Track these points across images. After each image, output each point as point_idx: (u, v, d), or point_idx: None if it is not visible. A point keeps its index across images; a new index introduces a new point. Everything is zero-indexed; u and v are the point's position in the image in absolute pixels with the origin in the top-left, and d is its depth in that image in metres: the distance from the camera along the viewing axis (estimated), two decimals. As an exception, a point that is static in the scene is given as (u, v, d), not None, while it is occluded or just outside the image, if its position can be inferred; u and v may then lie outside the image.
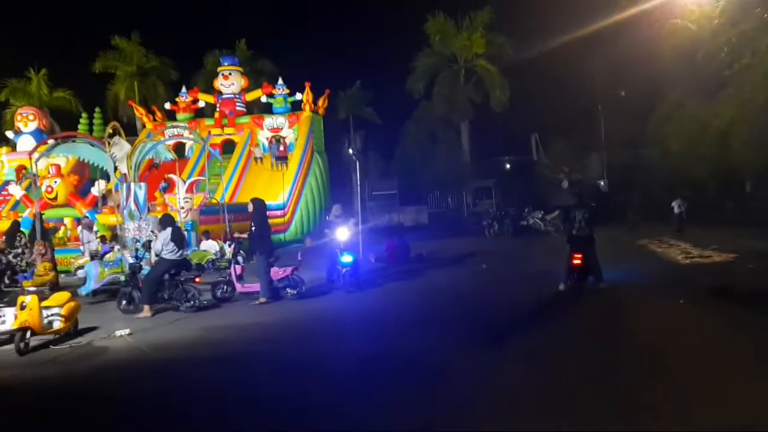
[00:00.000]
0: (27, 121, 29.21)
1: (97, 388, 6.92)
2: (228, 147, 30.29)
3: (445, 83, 36.78)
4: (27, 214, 20.50)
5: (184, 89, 31.94)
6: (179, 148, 31.11)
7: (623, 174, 31.54)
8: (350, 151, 31.75)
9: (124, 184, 14.77)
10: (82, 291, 12.68)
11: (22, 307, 8.46)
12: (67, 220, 21.31)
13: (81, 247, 17.51)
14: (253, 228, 11.95)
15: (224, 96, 30.88)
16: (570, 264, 11.07)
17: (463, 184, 35.34)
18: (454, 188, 36.27)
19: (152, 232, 13.45)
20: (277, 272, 11.81)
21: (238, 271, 11.97)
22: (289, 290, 11.84)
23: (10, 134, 29.18)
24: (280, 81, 30.75)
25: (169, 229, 10.88)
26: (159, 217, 17.45)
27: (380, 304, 11.21)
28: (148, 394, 6.60)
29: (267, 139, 29.96)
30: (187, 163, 29.39)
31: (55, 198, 21.12)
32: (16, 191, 22.57)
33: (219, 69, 31.56)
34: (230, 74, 31.04)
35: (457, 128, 37.57)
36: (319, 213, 28.97)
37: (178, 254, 10.95)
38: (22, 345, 8.29)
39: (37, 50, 45.75)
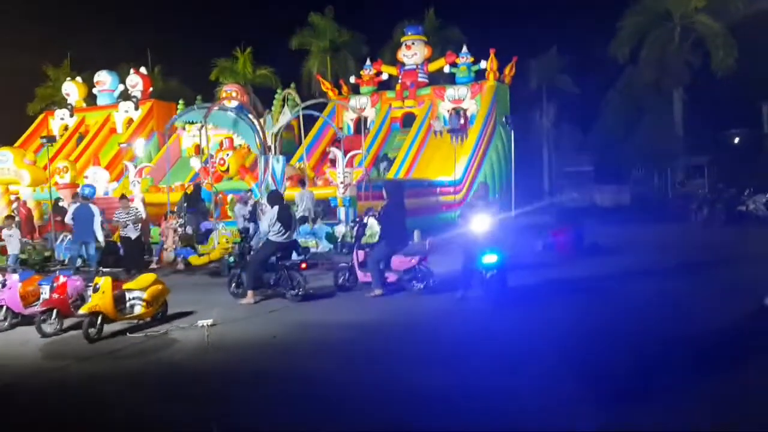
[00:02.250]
0: (230, 98, 30.61)
1: (109, 398, 5.94)
2: (409, 120, 29.23)
3: (656, 45, 32.17)
4: (204, 185, 21.07)
5: (368, 62, 31.38)
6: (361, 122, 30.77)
7: None
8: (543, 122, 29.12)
9: (263, 157, 14.10)
10: None
11: (95, 290, 7.84)
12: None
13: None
14: (382, 212, 10.55)
15: (406, 67, 29.76)
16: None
17: (671, 160, 30.80)
18: (661, 166, 31.77)
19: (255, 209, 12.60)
20: (401, 261, 10.24)
21: (361, 258, 10.57)
22: (415, 283, 10.21)
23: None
24: (465, 49, 28.90)
25: (275, 208, 9.83)
26: (310, 191, 17.17)
27: (523, 320, 8.24)
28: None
29: (448, 111, 28.38)
30: (367, 137, 28.94)
31: (227, 170, 21.49)
32: (196, 163, 23.43)
33: (402, 39, 30.45)
34: (413, 44, 29.76)
35: (669, 97, 32.80)
36: (498, 190, 26.87)
37: (285, 236, 9.87)
38: (91, 331, 7.68)
39: (244, 30, 48.37)
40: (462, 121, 27.50)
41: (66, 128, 33.64)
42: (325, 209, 16.86)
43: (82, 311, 7.70)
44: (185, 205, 16.61)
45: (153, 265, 14.03)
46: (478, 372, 6.12)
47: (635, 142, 31.50)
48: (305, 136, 26.72)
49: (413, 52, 29.69)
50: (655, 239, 17.07)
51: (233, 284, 10.31)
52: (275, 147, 14.76)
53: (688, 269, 11.84)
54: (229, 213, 19.02)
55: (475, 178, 25.34)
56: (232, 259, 11.56)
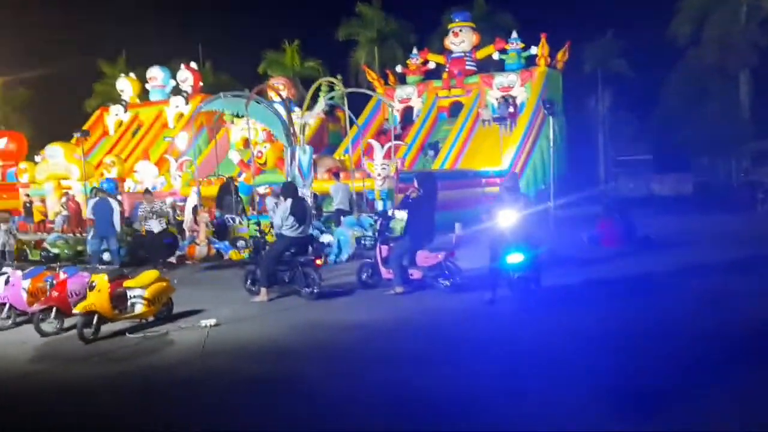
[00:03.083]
0: (277, 92, 30.45)
1: (86, 404, 5.50)
2: (457, 109, 28.36)
3: (720, 24, 30.21)
4: (242, 179, 20.85)
5: (415, 50, 30.63)
6: (407, 113, 30.08)
7: None
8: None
9: (289, 148, 13.60)
10: (332, 259, 12.23)
11: (91, 288, 7.47)
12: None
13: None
14: (411, 203, 9.89)
15: (454, 55, 28.87)
16: None
17: (736, 147, 28.85)
18: (725, 152, 29.83)
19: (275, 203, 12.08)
20: (426, 257, 9.53)
21: (384, 253, 9.92)
22: (441, 281, 9.50)
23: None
24: (514, 35, 27.83)
25: (289, 201, 9.28)
26: (345, 184, 16.61)
27: (551, 327, 7.23)
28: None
29: (496, 99, 27.38)
30: (412, 127, 28.23)
31: (265, 163, 21.18)
32: (234, 156, 23.23)
33: (449, 26, 29.54)
34: (461, 31, 28.83)
35: (734, 79, 30.82)
36: (549, 181, 25.75)
37: (299, 230, 9.32)
38: (87, 331, 7.31)
39: (292, 22, 48.26)
40: (511, 109, 26.45)
41: (120, 124, 34.20)
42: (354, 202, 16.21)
43: (76, 311, 7.34)
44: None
45: (172, 260, 13.67)
46: (485, 385, 5.43)
47: (697, 128, 29.68)
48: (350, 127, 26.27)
49: (461, 39, 28.79)
50: (716, 231, 15.80)
51: (248, 281, 9.84)
52: (302, 137, 14.22)
53: (752, 264, 10.67)
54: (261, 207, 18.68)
55: (524, 168, 24.33)
56: (246, 254, 11.12)
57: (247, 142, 25.64)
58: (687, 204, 24.41)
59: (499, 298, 8.44)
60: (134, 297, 7.86)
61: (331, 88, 21.19)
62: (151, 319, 8.13)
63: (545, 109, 13.76)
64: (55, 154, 24.60)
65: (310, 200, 13.31)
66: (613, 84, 31.65)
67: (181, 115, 32.68)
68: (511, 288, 8.43)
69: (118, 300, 7.79)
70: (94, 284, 7.47)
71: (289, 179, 13.31)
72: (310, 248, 9.68)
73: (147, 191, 14.15)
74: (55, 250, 14.32)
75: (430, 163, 25.83)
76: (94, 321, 7.40)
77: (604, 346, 6.38)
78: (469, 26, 29.13)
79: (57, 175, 23.38)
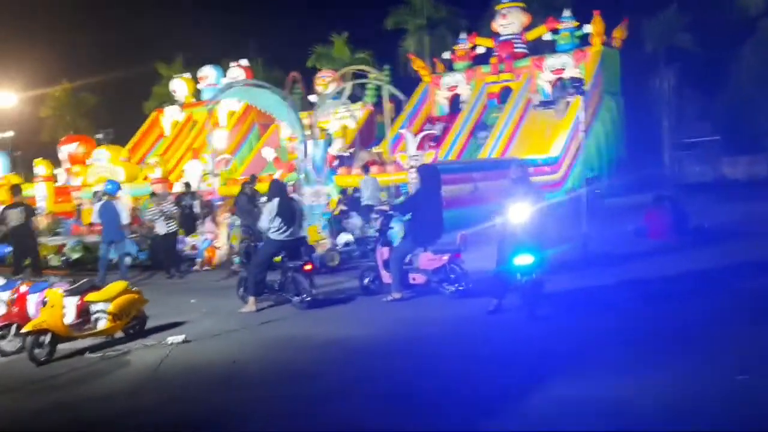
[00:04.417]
0: (325, 84, 29.89)
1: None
2: (506, 95, 26.95)
3: (798, -10, 27.61)
4: (277, 176, 20.29)
5: (462, 36, 29.34)
6: (455, 100, 28.88)
7: None
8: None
9: (302, 142, 12.77)
10: None
11: (43, 304, 6.88)
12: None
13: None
14: (409, 200, 8.98)
15: (502, 38, 27.41)
16: None
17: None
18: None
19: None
20: (430, 260, 8.56)
21: (385, 256, 9.00)
22: (446, 286, 8.51)
23: (312, 98, 30.07)
24: (567, 13, 26.12)
25: (275, 201, 8.46)
26: (373, 178, 15.71)
27: (558, 343, 6.10)
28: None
29: (549, 82, 25.84)
30: (460, 115, 27.01)
31: (299, 160, 20.50)
32: (268, 154, 22.69)
33: (497, 8, 28.06)
34: (509, 12, 27.30)
35: (816, 51, 28.07)
36: (605, 167, 24.10)
37: (287, 233, 8.49)
38: (38, 352, 6.72)
39: (341, 13, 47.53)
40: (572, 90, 24.82)
41: (176, 124, 34.49)
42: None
43: (25, 329, 6.75)
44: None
45: (196, 267, 13.12)
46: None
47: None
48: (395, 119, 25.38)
49: (509, 21, 27.28)
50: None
51: (241, 288, 9.10)
52: (317, 131, 13.39)
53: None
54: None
55: (577, 154, 22.78)
56: (237, 259, 10.40)
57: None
58: (762, 189, 22.23)
59: (504, 306, 7.39)
60: (97, 312, 7.23)
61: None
62: (119, 335, 7.49)
63: (573, 87, 12.42)
64: (101, 157, 24.80)
65: (326, 198, 12.50)
66: (677, 61, 29.36)
67: (233, 113, 32.60)
68: (520, 294, 7.34)
69: (81, 315, 7.19)
70: (46, 300, 6.87)
71: (302, 175, 12.53)
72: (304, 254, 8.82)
73: (153, 193, 13.64)
74: (75, 255, 14.06)
75: (481, 147, 24.64)
76: (48, 340, 6.79)
77: (613, 365, 5.27)
78: (518, 6, 27.55)
79: (104, 178, 23.53)
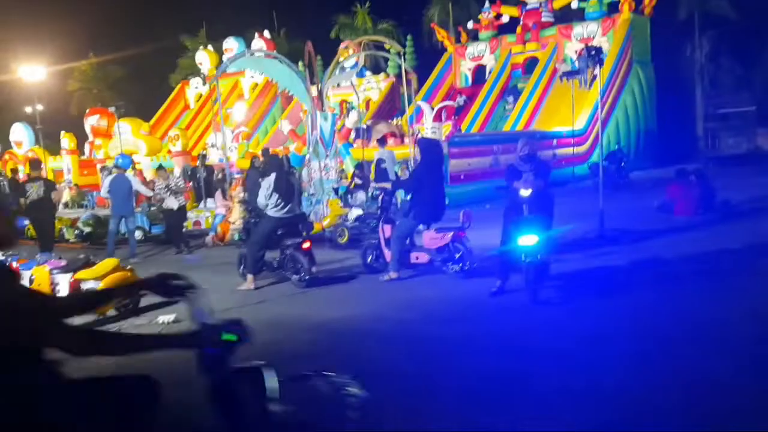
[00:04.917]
0: (347, 56, 29.40)
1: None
2: (532, 65, 26.24)
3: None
4: (293, 149, 20.05)
5: (487, 4, 28.55)
6: (479, 71, 28.23)
7: None
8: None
9: (310, 114, 12.43)
10: None
11: (30, 283, 6.74)
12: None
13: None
14: (411, 176, 8.63)
15: (528, 6, 26.62)
16: None
17: None
18: None
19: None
20: (433, 238, 8.21)
21: (387, 233, 8.68)
22: (450, 265, 8.17)
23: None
24: (595, -21, 25.22)
25: (272, 176, 8.17)
26: (390, 151, 15.30)
27: (559, 335, 5.57)
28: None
29: (576, 51, 25.00)
30: (484, 86, 26.40)
31: (316, 132, 20.19)
32: (285, 126, 22.42)
33: (523, -26, 27.27)
34: (535, -21, 26.52)
35: None
36: (634, 140, 23.38)
37: (285, 210, 8.21)
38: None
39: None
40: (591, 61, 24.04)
41: (200, 97, 34.46)
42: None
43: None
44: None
45: (208, 242, 12.91)
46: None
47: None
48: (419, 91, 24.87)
49: (536, -12, 26.49)
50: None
51: (242, 265, 8.88)
52: (326, 103, 13.00)
53: None
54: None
55: (604, 127, 22.09)
56: (237, 236, 10.17)
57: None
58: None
59: (508, 288, 7.04)
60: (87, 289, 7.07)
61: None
62: (110, 314, 7.32)
63: (588, 56, 11.82)
64: (124, 130, 24.78)
65: (333, 172, 12.18)
66: (712, 28, 28.17)
67: (256, 85, 32.42)
68: (523, 276, 6.97)
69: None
70: (32, 278, 6.72)
71: (311, 148, 12.22)
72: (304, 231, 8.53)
73: (160, 167, 13.47)
74: (88, 229, 14.01)
75: (509, 112, 24.07)
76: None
77: (617, 355, 4.91)
78: (545, -28, 26.73)
79: (127, 151, 23.57)
